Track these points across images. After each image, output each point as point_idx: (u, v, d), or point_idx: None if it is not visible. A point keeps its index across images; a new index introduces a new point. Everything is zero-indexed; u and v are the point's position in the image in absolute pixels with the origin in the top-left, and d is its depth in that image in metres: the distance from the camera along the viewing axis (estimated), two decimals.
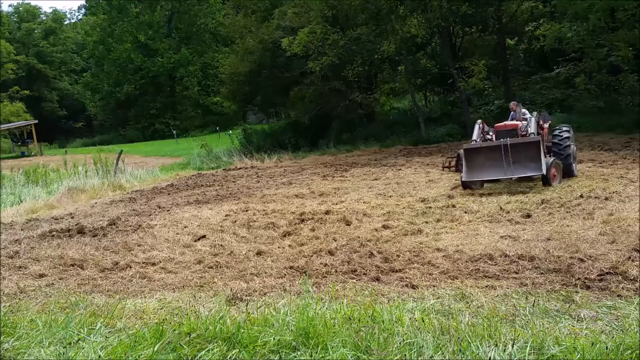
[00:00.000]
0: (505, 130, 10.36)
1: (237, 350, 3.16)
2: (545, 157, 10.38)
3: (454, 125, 22.31)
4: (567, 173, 10.33)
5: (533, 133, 9.83)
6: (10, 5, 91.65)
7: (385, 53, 22.94)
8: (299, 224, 7.98)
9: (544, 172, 9.22)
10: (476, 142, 10.17)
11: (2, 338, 3.48)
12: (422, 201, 9.10)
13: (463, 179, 10.05)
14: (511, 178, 10.16)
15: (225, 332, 3.34)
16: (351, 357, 3.00)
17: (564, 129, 10.79)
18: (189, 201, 11.42)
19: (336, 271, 5.28)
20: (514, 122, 10.60)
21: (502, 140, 9.81)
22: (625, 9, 17.78)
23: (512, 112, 11.67)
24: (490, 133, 10.54)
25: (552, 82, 23.12)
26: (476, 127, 10.63)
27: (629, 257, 4.90)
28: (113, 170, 17.05)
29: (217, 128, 39.29)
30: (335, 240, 6.63)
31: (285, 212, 9.01)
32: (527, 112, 11.35)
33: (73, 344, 3.43)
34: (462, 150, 10.44)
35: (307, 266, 5.49)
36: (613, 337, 3.20)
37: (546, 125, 11.27)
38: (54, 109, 60.84)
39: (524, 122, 10.69)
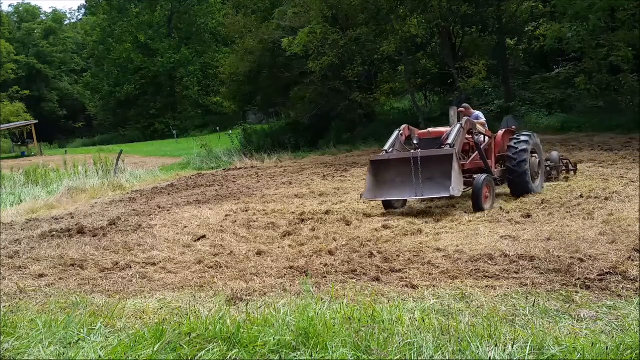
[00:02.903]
0: (429, 138, 8.60)
1: (237, 350, 3.16)
2: (497, 168, 9.09)
3: None
4: (523, 191, 8.72)
5: (449, 144, 8.01)
6: (10, 5, 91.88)
7: (385, 53, 22.95)
8: (299, 224, 7.98)
9: (453, 192, 7.52)
10: (387, 152, 8.48)
11: (2, 338, 3.48)
12: (421, 201, 9.09)
13: (363, 197, 8.52)
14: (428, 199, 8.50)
15: (225, 332, 3.34)
16: (351, 357, 3.00)
17: (522, 137, 9.01)
18: (189, 201, 11.41)
19: (336, 271, 5.28)
20: (441, 128, 8.88)
21: (412, 152, 8.18)
22: (625, 9, 17.81)
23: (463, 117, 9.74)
24: (415, 141, 8.74)
25: (552, 82, 23.12)
26: (395, 133, 8.82)
27: (629, 257, 4.89)
28: (113, 170, 17.05)
29: (217, 128, 39.28)
30: (335, 240, 6.63)
31: (285, 212, 9.01)
32: (480, 114, 9.84)
33: (73, 344, 3.43)
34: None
35: (307, 266, 5.48)
36: (613, 337, 3.20)
37: (501, 132, 9.62)
38: (54, 109, 60.86)
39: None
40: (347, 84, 24.13)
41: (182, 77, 52.03)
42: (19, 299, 4.92)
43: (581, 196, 8.28)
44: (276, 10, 27.07)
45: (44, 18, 68.35)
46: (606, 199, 7.90)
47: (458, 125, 8.38)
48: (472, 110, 9.79)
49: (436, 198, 8.54)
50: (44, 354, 3.26)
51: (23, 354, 3.30)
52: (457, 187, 7.62)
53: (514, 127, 10.17)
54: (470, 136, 8.77)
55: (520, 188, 8.79)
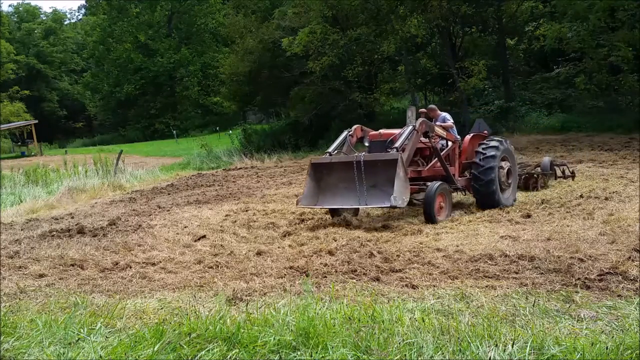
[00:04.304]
0: (380, 141, 7.80)
1: (237, 350, 3.16)
2: (465, 176, 8.39)
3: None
4: (489, 202, 8.00)
5: (396, 147, 7.28)
6: (10, 5, 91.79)
7: (385, 53, 22.95)
8: (299, 224, 7.97)
9: (395, 202, 6.74)
10: (330, 154, 7.81)
11: (2, 338, 3.48)
12: (420, 201, 9.08)
13: (299, 204, 7.76)
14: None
15: (225, 332, 3.34)
16: (351, 357, 3.00)
17: (492, 143, 8.27)
18: (189, 201, 11.41)
19: (336, 271, 5.28)
20: (394, 130, 8.03)
21: (356, 155, 7.52)
22: (625, 9, 17.80)
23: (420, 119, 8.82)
24: (366, 143, 8.09)
25: (552, 82, 23.15)
26: (343, 134, 8.13)
27: (629, 257, 4.90)
28: (113, 170, 17.04)
29: (217, 128, 39.29)
30: (335, 240, 6.63)
31: (285, 212, 9.01)
32: (447, 116, 9.01)
33: (73, 344, 3.43)
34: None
35: (307, 266, 5.48)
36: (613, 337, 3.20)
37: (468, 137, 8.90)
38: (54, 109, 60.82)
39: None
40: (347, 84, 24.12)
41: (182, 77, 52.02)
42: (19, 299, 4.92)
43: (581, 196, 8.29)
44: (276, 10, 27.07)
45: (44, 18, 68.30)
46: (606, 199, 7.91)
47: (410, 127, 7.59)
48: (440, 112, 9.11)
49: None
50: (44, 354, 3.26)
51: (23, 354, 3.30)
52: (400, 196, 6.78)
53: (485, 131, 9.49)
54: (427, 139, 7.93)
55: (486, 199, 8.06)
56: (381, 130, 8.14)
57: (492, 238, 6.18)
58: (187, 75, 51.87)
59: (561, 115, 21.47)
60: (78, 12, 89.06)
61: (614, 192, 8.27)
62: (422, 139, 7.90)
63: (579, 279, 4.47)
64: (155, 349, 3.14)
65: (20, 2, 72.41)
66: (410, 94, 25.51)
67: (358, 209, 8.11)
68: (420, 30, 21.58)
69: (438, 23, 21.38)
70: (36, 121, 41.82)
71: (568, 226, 6.45)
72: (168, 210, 10.18)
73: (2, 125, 42.10)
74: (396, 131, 7.86)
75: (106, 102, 55.48)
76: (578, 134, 18.65)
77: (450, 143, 8.51)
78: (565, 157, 13.55)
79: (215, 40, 53.74)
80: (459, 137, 8.86)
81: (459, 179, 8.45)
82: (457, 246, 5.88)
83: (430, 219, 7.26)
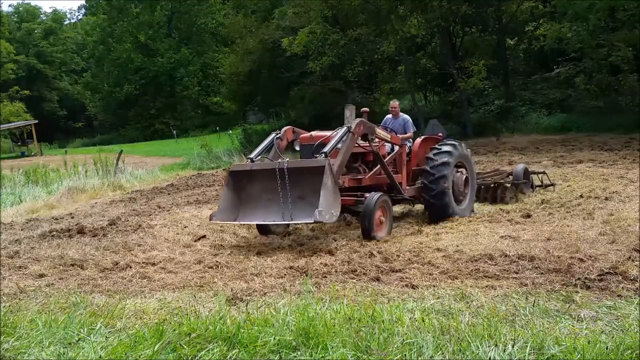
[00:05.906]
0: (311, 144, 6.80)
1: (237, 350, 3.16)
2: (403, 183, 7.34)
3: (454, 125, 22.32)
4: (442, 214, 7.29)
5: (325, 153, 6.27)
6: (10, 5, 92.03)
7: (385, 53, 22.96)
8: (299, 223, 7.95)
9: (321, 217, 5.76)
10: (252, 161, 6.82)
11: (2, 338, 3.48)
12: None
13: (213, 219, 6.70)
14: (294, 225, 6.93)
15: (225, 332, 3.34)
16: (351, 357, 3.00)
17: (445, 148, 7.44)
18: (189, 201, 11.41)
19: (336, 271, 5.28)
20: (328, 132, 6.92)
21: (278, 161, 6.48)
22: (625, 9, 17.81)
23: (388, 116, 8.35)
24: (297, 148, 7.21)
25: (552, 82, 23.14)
26: (270, 137, 7.16)
27: (629, 257, 4.90)
28: (113, 170, 17.03)
29: (217, 128, 39.26)
30: (335, 240, 6.63)
31: None
32: (410, 124, 8.19)
33: (73, 344, 3.43)
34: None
35: (307, 266, 5.48)
36: (613, 337, 3.20)
37: (419, 140, 7.99)
38: (54, 109, 60.83)
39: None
40: (347, 84, 24.15)
41: (182, 77, 52.03)
42: (19, 299, 4.91)
43: (581, 196, 8.28)
44: (276, 10, 27.11)
45: (44, 18, 68.31)
46: (606, 199, 7.91)
47: (344, 129, 6.56)
48: (402, 114, 8.30)
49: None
50: (44, 354, 3.26)
51: (23, 354, 3.30)
52: (327, 210, 5.84)
53: (440, 134, 8.78)
54: (367, 143, 6.97)
55: (438, 211, 7.31)
56: (313, 133, 7.16)
57: (492, 238, 6.18)
58: (187, 75, 51.88)
59: (561, 115, 21.48)
60: (78, 12, 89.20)
61: (614, 192, 8.27)
62: (362, 142, 7.00)
63: (579, 279, 4.47)
64: (155, 349, 3.14)
65: (20, 2, 72.52)
66: (410, 94, 25.50)
67: (288, 225, 7.13)
68: (420, 30, 21.60)
69: (438, 23, 21.39)
70: (36, 121, 41.82)
71: (568, 226, 6.45)
72: (168, 210, 10.17)
73: (2, 125, 42.14)
74: (329, 133, 6.85)
75: (106, 102, 55.47)
76: (578, 134, 18.66)
77: (396, 147, 7.57)
78: (565, 157, 13.56)
79: (215, 40, 53.73)
80: (411, 141, 8.07)
81: (408, 188, 7.54)
82: (457, 246, 5.88)
83: (368, 235, 6.39)
